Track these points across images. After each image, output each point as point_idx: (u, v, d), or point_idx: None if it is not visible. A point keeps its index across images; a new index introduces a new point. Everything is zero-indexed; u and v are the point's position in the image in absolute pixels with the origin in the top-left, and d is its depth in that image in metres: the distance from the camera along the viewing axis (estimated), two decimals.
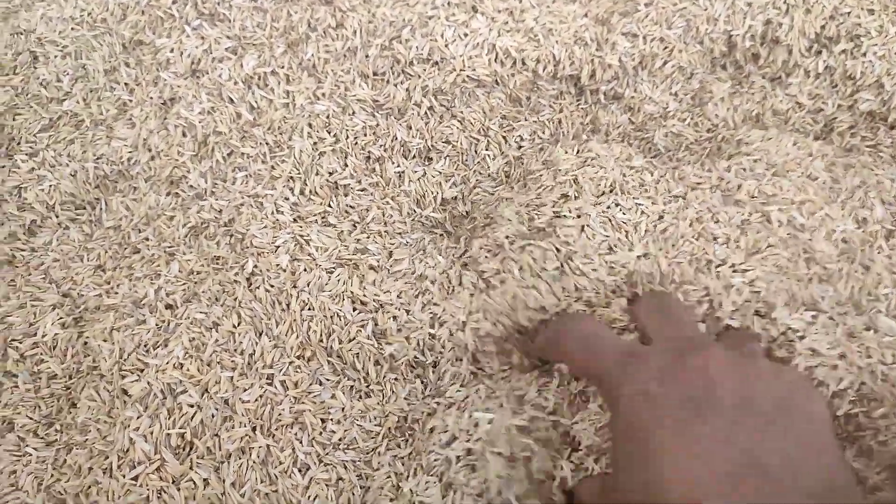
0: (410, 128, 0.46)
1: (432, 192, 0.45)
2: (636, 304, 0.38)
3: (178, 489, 0.36)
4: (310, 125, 0.45)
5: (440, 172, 0.46)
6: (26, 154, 0.46)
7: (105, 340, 0.40)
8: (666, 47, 0.48)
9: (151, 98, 0.47)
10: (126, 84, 0.47)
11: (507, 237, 0.40)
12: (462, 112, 0.47)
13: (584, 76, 0.48)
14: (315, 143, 0.44)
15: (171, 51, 0.47)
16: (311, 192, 0.43)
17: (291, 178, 0.43)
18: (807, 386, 0.33)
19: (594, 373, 0.35)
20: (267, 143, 0.45)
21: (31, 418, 0.40)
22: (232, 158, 0.45)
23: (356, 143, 0.45)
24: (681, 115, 0.48)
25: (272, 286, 0.40)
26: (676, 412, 0.29)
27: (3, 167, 0.46)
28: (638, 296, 0.39)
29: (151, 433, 0.36)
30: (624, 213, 0.40)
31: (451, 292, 0.40)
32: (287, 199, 0.42)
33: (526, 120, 0.48)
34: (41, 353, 0.41)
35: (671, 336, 0.34)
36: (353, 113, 0.46)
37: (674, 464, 0.28)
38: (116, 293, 0.42)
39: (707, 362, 0.31)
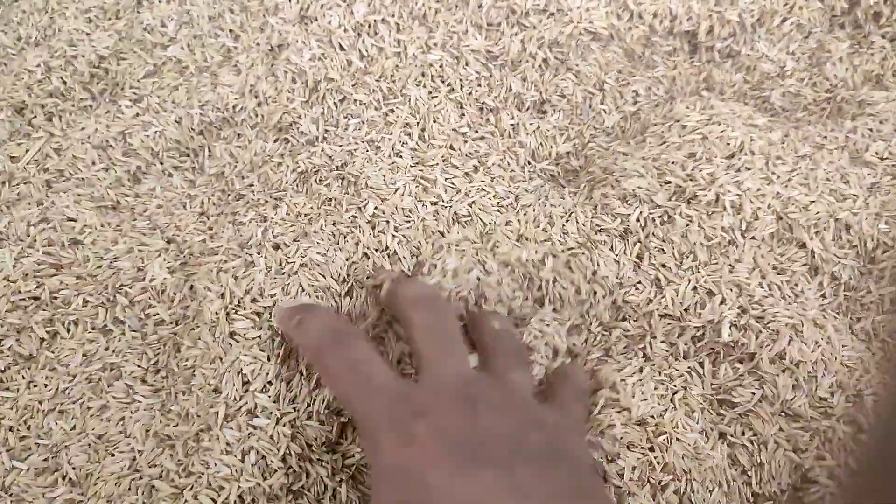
0: (525, 80, 0.45)
1: (547, 146, 0.44)
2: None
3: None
4: (422, 74, 0.44)
5: (554, 126, 0.45)
6: (130, 100, 0.45)
7: (212, 283, 0.39)
8: (786, 3, 0.46)
9: (258, 44, 0.46)
10: (231, 31, 0.46)
11: (639, 187, 0.39)
12: (577, 65, 0.45)
13: (701, 32, 0.46)
14: (430, 92, 0.43)
15: None
16: (429, 137, 0.42)
17: (408, 124, 0.42)
18: (573, 430, 0.33)
19: (358, 414, 0.32)
20: (381, 91, 0.43)
21: (138, 365, 0.39)
22: (344, 105, 0.43)
23: (470, 93, 0.44)
24: (798, 74, 0.47)
25: (397, 229, 0.39)
26: (452, 456, 0.28)
27: (108, 112, 0.44)
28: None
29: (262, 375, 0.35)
30: (754, 174, 0.39)
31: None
32: (405, 143, 0.41)
33: (641, 75, 0.46)
34: (149, 299, 0.40)
35: (450, 372, 0.32)
36: (467, 63, 0.44)
37: None
38: (221, 237, 0.41)
39: (477, 397, 0.31)
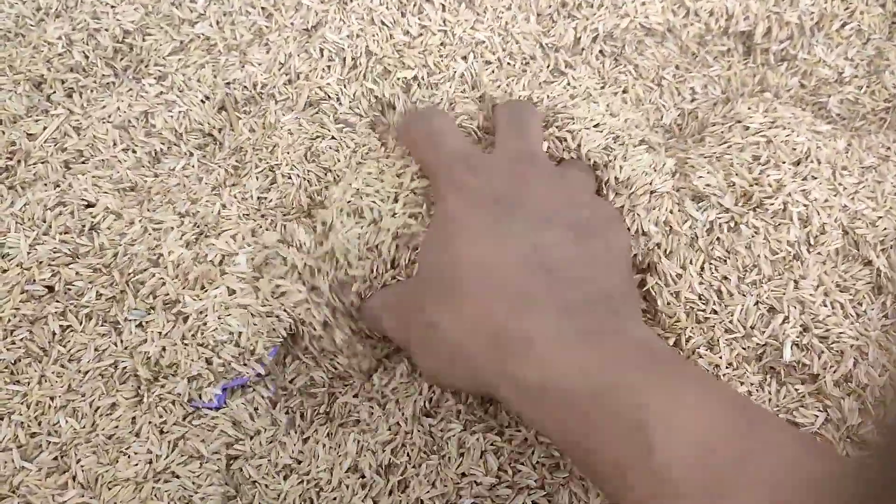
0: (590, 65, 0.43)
1: None
2: (495, 112, 0.39)
3: None
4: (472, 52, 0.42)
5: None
6: (154, 77, 0.42)
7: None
8: (847, 7, 0.44)
9: (293, 24, 0.43)
10: (263, 8, 0.44)
11: (707, 185, 0.37)
12: (636, 59, 0.43)
13: (758, 33, 0.44)
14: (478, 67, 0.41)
15: None
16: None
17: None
18: (616, 220, 0.35)
19: (430, 169, 0.36)
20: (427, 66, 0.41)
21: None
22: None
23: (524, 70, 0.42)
24: (857, 81, 0.45)
25: None
26: (488, 207, 0.32)
27: (130, 90, 0.42)
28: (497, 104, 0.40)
29: None
30: (822, 184, 0.37)
31: None
32: None
33: (697, 72, 0.44)
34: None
35: (512, 147, 0.35)
36: (518, 43, 0.42)
37: (471, 245, 0.31)
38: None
39: (530, 173, 0.34)
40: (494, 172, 0.33)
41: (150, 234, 0.38)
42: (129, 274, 0.37)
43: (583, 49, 0.43)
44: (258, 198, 0.39)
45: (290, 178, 0.39)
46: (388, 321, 0.35)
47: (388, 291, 0.36)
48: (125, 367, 0.35)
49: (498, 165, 0.34)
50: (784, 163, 0.38)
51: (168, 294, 0.36)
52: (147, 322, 0.36)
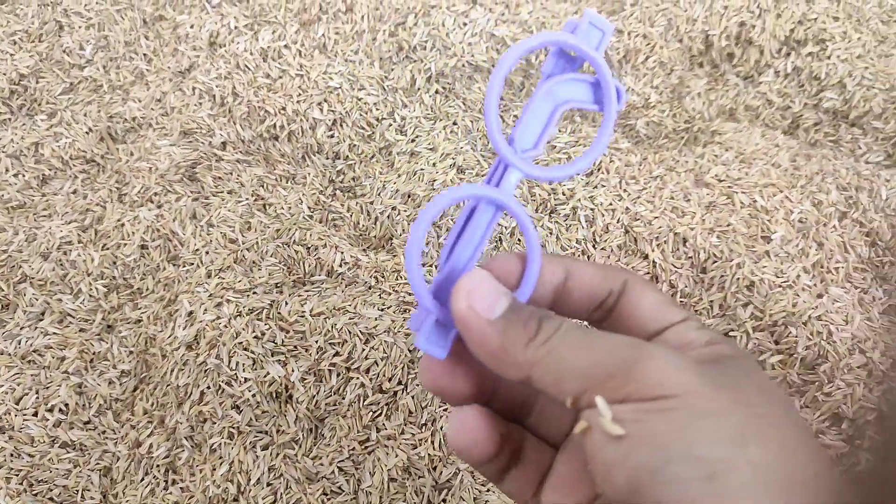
0: (423, 103, 0.50)
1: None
2: None
3: None
4: (326, 100, 0.48)
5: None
6: (46, 114, 0.49)
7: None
8: (648, 43, 0.52)
9: (169, 67, 0.50)
10: (145, 55, 0.50)
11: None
12: (464, 93, 0.50)
13: None
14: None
15: (191, 26, 0.50)
16: None
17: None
18: None
19: None
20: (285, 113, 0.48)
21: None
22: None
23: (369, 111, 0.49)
24: (661, 106, 0.52)
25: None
26: None
27: (24, 125, 0.48)
28: None
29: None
30: (609, 191, 0.44)
31: None
32: None
33: (521, 102, 0.51)
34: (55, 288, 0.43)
35: None
36: (363, 88, 0.49)
37: None
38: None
39: None
40: None
41: (37, 240, 0.44)
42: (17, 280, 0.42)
43: (418, 89, 0.50)
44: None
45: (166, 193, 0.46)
46: None
47: None
48: None
49: None
50: (579, 175, 0.45)
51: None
52: None
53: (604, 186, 0.44)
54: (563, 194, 0.44)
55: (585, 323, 0.22)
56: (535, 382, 0.18)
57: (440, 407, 0.39)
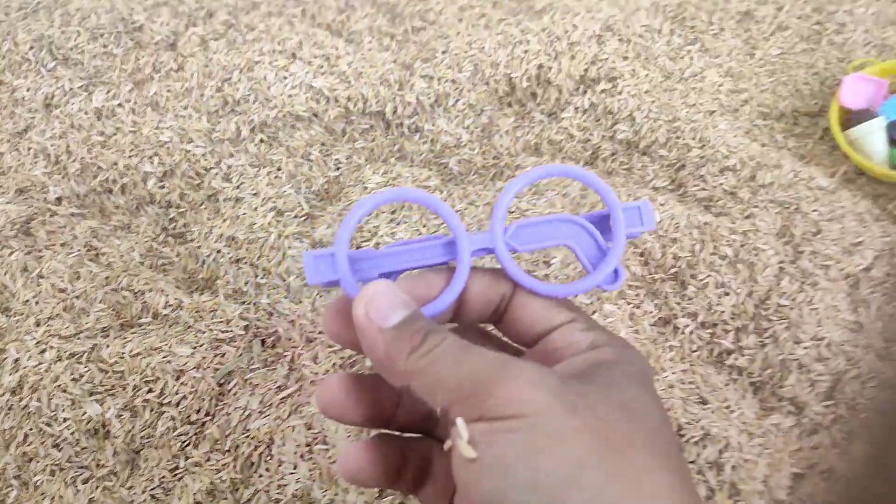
0: (248, 152, 0.54)
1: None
2: None
3: None
4: (157, 154, 0.53)
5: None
6: None
7: None
8: (457, 88, 0.57)
9: (7, 129, 0.53)
10: None
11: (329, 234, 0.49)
12: (287, 141, 0.55)
13: (388, 111, 0.56)
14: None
15: (27, 89, 0.54)
16: None
17: None
18: None
19: None
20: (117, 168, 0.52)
21: None
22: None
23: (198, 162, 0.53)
24: (471, 144, 0.57)
25: None
26: None
27: None
28: None
29: None
30: (410, 226, 0.49)
31: None
32: None
33: (343, 146, 0.56)
34: None
35: None
36: (191, 140, 0.53)
37: None
38: None
39: None
40: None
41: None
42: None
43: (243, 139, 0.55)
44: None
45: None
46: None
47: None
48: None
49: None
50: (384, 212, 0.49)
51: None
52: None
53: (405, 223, 0.49)
54: (369, 231, 0.49)
55: (491, 327, 0.23)
56: (414, 391, 0.19)
57: (242, 434, 0.43)
